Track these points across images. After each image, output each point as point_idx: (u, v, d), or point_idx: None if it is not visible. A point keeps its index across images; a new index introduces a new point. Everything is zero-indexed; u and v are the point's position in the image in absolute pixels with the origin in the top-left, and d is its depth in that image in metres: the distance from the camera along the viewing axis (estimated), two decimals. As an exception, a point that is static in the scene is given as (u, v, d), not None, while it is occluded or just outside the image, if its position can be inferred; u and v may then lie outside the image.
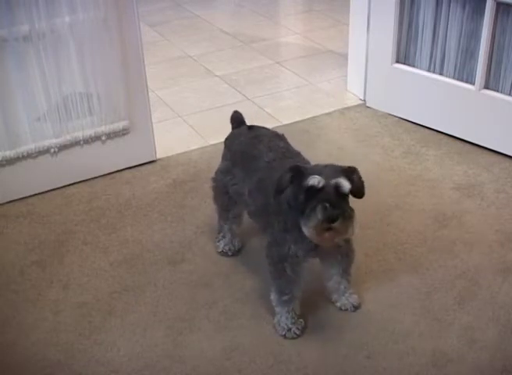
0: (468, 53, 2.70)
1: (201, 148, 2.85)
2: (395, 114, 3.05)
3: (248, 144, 1.98)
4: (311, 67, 3.67)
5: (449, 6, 2.69)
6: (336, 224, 1.56)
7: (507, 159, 2.68)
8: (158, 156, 2.77)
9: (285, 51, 3.97)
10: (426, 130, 2.93)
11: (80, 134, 2.52)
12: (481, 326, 1.88)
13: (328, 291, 1.95)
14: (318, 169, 1.64)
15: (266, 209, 1.83)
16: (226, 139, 2.11)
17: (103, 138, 2.58)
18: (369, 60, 3.06)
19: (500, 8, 2.52)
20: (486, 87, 2.68)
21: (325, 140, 2.89)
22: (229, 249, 2.19)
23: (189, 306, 1.99)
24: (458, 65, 2.76)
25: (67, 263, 2.19)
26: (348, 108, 3.15)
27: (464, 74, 2.75)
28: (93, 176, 2.64)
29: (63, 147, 2.52)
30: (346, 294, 1.93)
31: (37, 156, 2.49)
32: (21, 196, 2.52)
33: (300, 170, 1.65)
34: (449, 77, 2.80)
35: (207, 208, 2.39)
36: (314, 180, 1.59)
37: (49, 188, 2.56)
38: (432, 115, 2.91)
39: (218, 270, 2.14)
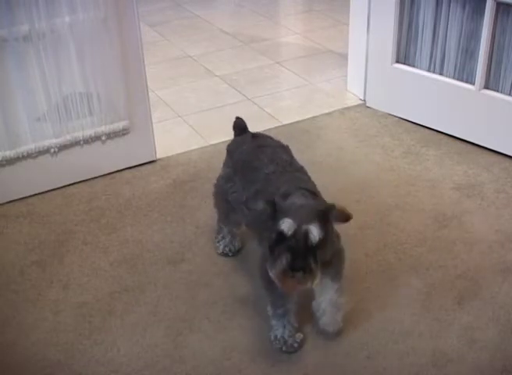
0: (468, 53, 2.70)
1: (201, 148, 2.85)
2: (395, 114, 3.05)
3: (251, 154, 1.94)
4: (311, 67, 3.67)
5: (449, 6, 2.69)
6: (298, 275, 1.53)
7: (507, 159, 2.68)
8: (158, 156, 2.77)
9: (285, 51, 3.97)
10: (426, 130, 2.93)
11: (79, 134, 2.52)
12: (481, 326, 1.88)
13: (313, 309, 1.87)
14: (294, 209, 1.58)
15: (260, 222, 1.79)
16: (229, 146, 2.09)
17: (103, 138, 2.58)
18: (369, 60, 3.06)
19: (500, 8, 2.52)
20: (486, 87, 2.68)
21: (325, 140, 2.89)
22: (230, 250, 2.19)
23: (189, 306, 1.99)
24: (458, 65, 2.76)
25: (67, 263, 2.19)
26: (348, 108, 3.15)
27: (464, 74, 2.75)
28: (93, 176, 2.64)
29: (63, 147, 2.52)
30: (336, 317, 1.84)
31: (37, 156, 2.49)
32: (21, 196, 2.52)
33: (274, 206, 1.60)
34: (449, 77, 2.80)
35: (207, 208, 2.39)
36: (285, 226, 1.54)
37: (49, 188, 2.56)
38: (432, 115, 2.91)
39: (218, 270, 2.14)
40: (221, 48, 3.96)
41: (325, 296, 1.82)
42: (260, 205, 1.63)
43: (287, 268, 1.53)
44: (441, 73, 2.82)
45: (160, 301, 2.02)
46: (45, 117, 2.43)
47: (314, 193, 1.73)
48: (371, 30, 2.98)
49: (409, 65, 2.92)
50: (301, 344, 1.83)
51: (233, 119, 2.14)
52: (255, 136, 2.04)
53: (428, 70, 2.86)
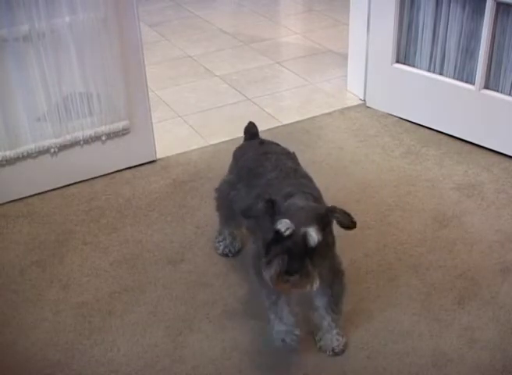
0: (468, 53, 2.70)
1: (201, 148, 2.85)
2: (395, 114, 3.05)
3: (255, 161, 1.91)
4: (311, 67, 3.67)
5: (449, 6, 2.69)
6: (293, 278, 1.48)
7: (507, 159, 2.68)
8: (158, 156, 2.77)
9: (285, 51, 3.97)
10: (426, 130, 2.93)
11: (80, 134, 2.52)
12: (481, 326, 1.88)
13: (312, 326, 1.83)
14: (293, 210, 1.55)
15: (257, 225, 1.77)
16: (235, 151, 2.08)
17: (103, 138, 2.58)
18: (369, 60, 3.06)
19: (500, 8, 2.52)
20: (486, 87, 2.68)
21: (325, 140, 2.89)
22: (230, 251, 2.19)
23: (189, 306, 1.99)
24: (458, 65, 2.76)
25: (67, 263, 2.19)
26: (348, 108, 3.15)
27: (464, 74, 2.75)
28: (93, 176, 2.64)
29: (63, 147, 2.52)
30: (331, 335, 1.79)
31: (37, 156, 2.49)
32: (21, 196, 2.52)
33: (274, 206, 1.57)
34: (449, 77, 2.80)
35: (207, 208, 2.39)
36: (282, 226, 1.50)
37: (49, 188, 2.56)
38: (432, 115, 2.91)
39: (218, 270, 2.14)
40: (221, 48, 3.96)
41: (323, 334, 1.80)
42: (260, 204, 1.59)
43: (283, 270, 1.48)
44: (441, 73, 2.82)
45: (160, 301, 2.02)
46: (45, 117, 2.43)
47: (317, 198, 1.69)
48: (371, 30, 2.98)
49: (409, 65, 2.92)
50: (298, 341, 1.75)
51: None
52: (262, 142, 2.02)
53: (428, 70, 2.86)
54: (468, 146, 2.79)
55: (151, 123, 2.69)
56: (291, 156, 1.95)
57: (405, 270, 2.10)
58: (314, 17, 4.49)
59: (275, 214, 1.56)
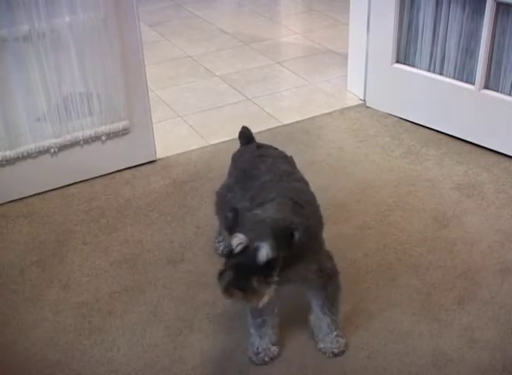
0: (468, 53, 2.70)
1: (201, 148, 2.85)
2: (395, 114, 3.05)
3: (251, 163, 1.92)
4: (311, 67, 3.67)
5: (449, 6, 2.69)
6: (238, 294, 1.46)
7: (507, 159, 2.68)
8: (158, 156, 2.77)
9: (285, 51, 3.97)
10: (426, 130, 2.93)
11: (80, 134, 2.52)
12: (481, 326, 1.88)
13: (311, 328, 1.82)
14: (252, 222, 1.51)
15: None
16: (234, 155, 2.08)
17: (103, 138, 2.58)
18: (369, 60, 3.06)
19: (500, 8, 2.52)
20: (486, 87, 2.68)
21: (325, 140, 2.89)
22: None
23: (189, 306, 1.99)
24: (458, 65, 2.76)
25: (67, 263, 2.19)
26: (348, 108, 3.15)
27: (464, 74, 2.75)
28: (93, 176, 2.64)
29: (63, 147, 2.52)
30: (331, 337, 1.79)
31: (37, 156, 2.49)
32: (21, 196, 2.52)
33: (237, 216, 1.54)
34: (449, 77, 2.80)
35: (207, 208, 2.39)
36: (234, 242, 1.48)
37: (49, 188, 2.56)
38: (432, 115, 2.91)
39: (217, 270, 2.13)
40: (221, 48, 3.96)
41: (323, 336, 1.80)
42: (228, 215, 1.57)
43: (229, 285, 1.46)
44: (441, 73, 2.82)
45: (160, 301, 2.02)
46: (45, 117, 2.43)
47: (299, 204, 1.66)
48: (371, 30, 2.98)
49: (409, 65, 2.92)
50: (273, 358, 1.78)
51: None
52: (259, 146, 2.02)
53: (428, 70, 2.86)
54: (468, 146, 2.79)
55: (151, 123, 2.69)
56: (288, 160, 1.95)
57: (405, 270, 2.10)
58: (314, 17, 4.49)
59: (236, 226, 1.53)
